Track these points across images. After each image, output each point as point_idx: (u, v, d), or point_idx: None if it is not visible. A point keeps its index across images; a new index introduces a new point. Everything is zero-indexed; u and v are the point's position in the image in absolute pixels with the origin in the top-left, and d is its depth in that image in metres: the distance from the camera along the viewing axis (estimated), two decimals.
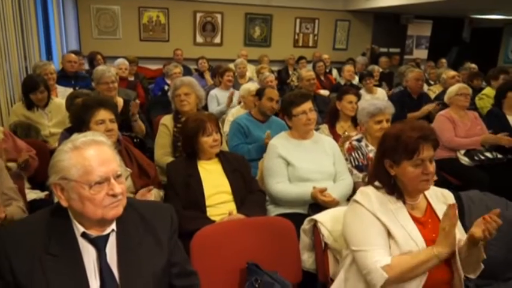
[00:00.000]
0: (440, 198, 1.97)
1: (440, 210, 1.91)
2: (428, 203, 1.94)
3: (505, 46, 10.80)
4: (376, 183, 1.90)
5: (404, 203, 1.87)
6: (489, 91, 5.63)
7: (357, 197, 1.90)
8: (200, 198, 2.56)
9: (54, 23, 6.99)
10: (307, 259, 2.25)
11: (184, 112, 3.46)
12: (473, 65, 7.74)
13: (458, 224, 1.96)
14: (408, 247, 1.77)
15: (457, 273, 1.84)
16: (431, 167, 1.80)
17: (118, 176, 1.45)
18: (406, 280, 1.75)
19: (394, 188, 1.87)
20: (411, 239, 1.79)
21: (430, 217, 1.91)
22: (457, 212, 1.75)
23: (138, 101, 3.92)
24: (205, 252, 2.07)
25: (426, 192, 1.93)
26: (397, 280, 1.73)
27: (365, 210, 1.83)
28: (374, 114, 3.03)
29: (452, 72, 6.07)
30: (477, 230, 1.71)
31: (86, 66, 7.19)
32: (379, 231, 1.80)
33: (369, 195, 1.86)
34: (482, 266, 1.87)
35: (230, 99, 5.05)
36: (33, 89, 3.92)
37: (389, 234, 1.80)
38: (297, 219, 2.36)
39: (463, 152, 4.09)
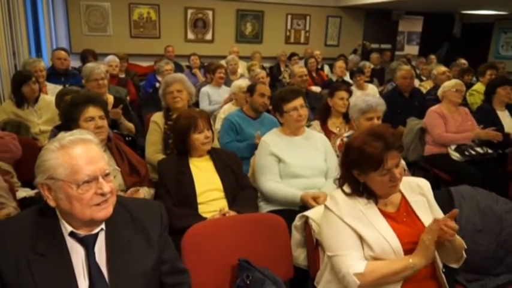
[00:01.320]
0: (416, 189, 1.96)
1: (415, 202, 1.91)
2: (403, 197, 1.93)
3: (496, 41, 10.85)
4: (345, 186, 1.89)
5: (376, 202, 1.87)
6: (479, 87, 5.66)
7: (327, 202, 1.90)
8: (191, 195, 2.55)
9: (44, 19, 6.93)
10: (299, 255, 2.25)
11: (176, 109, 3.44)
12: (463, 61, 7.77)
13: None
14: (380, 247, 1.77)
15: (436, 264, 1.85)
16: (398, 173, 1.79)
17: (106, 175, 1.43)
18: (380, 285, 1.76)
19: (364, 191, 1.86)
20: (383, 238, 1.78)
21: (405, 211, 1.90)
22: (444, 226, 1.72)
23: (119, 108, 3.85)
24: (196, 249, 2.06)
25: (401, 185, 1.90)
26: (370, 286, 1.74)
27: (334, 216, 1.82)
28: (365, 111, 3.02)
29: (442, 68, 6.09)
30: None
31: (73, 64, 7.11)
32: (350, 235, 1.79)
33: (337, 199, 1.85)
34: (465, 256, 1.89)
35: (226, 103, 5.03)
36: (26, 80, 3.90)
37: (360, 237, 1.79)
38: (288, 216, 2.36)
39: (453, 147, 4.11)
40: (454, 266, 1.93)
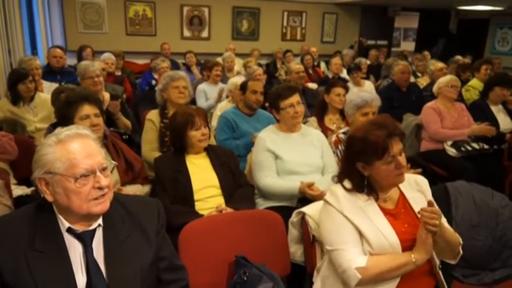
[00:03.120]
0: (414, 187, 1.96)
1: (413, 199, 1.91)
2: (401, 193, 1.93)
3: (492, 37, 10.88)
4: (345, 182, 1.89)
5: (376, 199, 1.87)
6: (475, 83, 5.67)
7: (327, 196, 1.90)
8: (188, 192, 2.55)
9: (39, 17, 6.90)
10: (296, 251, 2.25)
11: (178, 105, 3.43)
12: (459, 57, 7.76)
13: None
14: (379, 243, 1.77)
15: (433, 261, 1.86)
16: (403, 160, 1.80)
17: (104, 169, 1.44)
18: (380, 281, 1.76)
19: (366, 186, 1.86)
20: (382, 234, 1.78)
21: (403, 207, 1.90)
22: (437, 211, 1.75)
23: (118, 102, 3.85)
24: (193, 246, 2.06)
25: None
26: (370, 281, 1.75)
27: (334, 210, 1.82)
28: (360, 106, 3.03)
29: (440, 64, 6.10)
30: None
31: (68, 62, 7.09)
32: (351, 229, 1.80)
33: (337, 194, 1.85)
34: (461, 252, 1.90)
35: (219, 95, 5.04)
36: (22, 78, 3.89)
37: (360, 232, 1.80)
38: (285, 212, 2.36)
39: (450, 143, 4.11)
40: (452, 262, 1.94)
